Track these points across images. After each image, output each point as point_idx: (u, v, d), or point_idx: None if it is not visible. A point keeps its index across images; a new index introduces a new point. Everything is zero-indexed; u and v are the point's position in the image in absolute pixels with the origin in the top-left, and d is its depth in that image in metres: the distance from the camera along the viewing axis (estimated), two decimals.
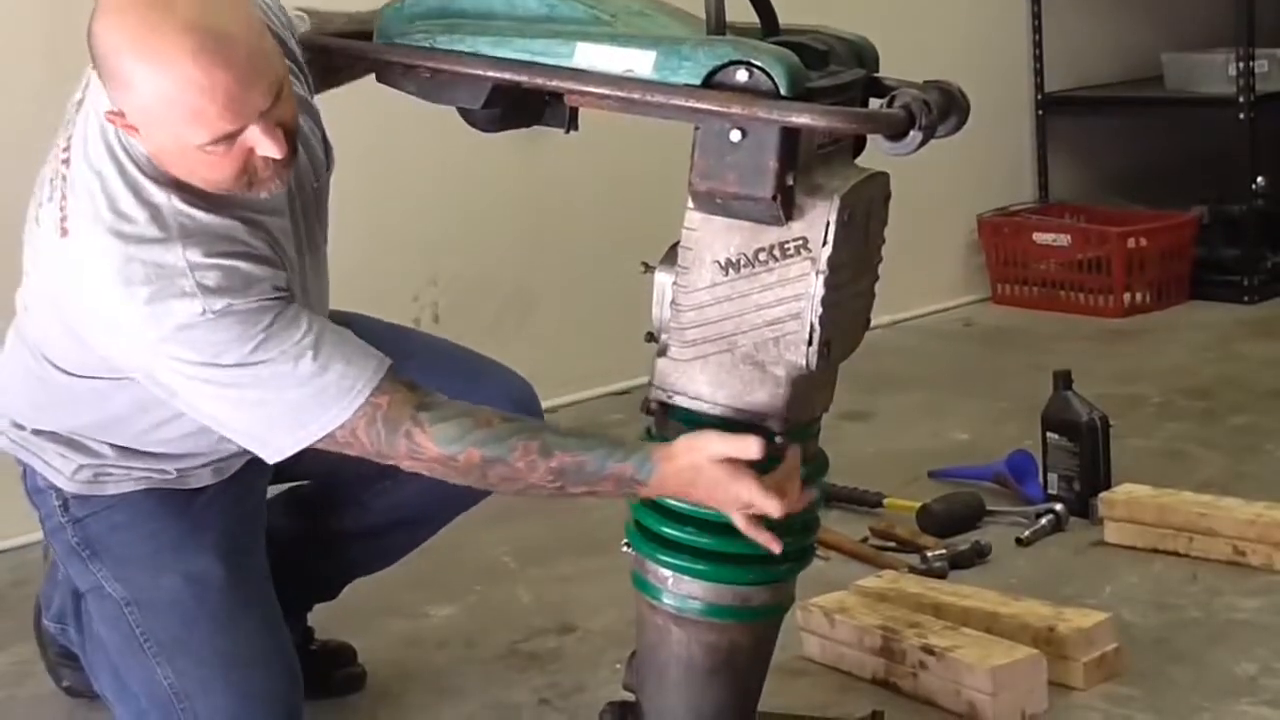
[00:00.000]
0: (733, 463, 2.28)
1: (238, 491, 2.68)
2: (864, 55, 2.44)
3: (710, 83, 2.21)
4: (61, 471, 2.64)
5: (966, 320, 5.57)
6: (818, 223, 2.24)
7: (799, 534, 2.47)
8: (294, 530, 2.89)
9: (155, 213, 2.33)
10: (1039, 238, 5.58)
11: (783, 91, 2.17)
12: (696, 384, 2.35)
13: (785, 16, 2.44)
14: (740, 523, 2.32)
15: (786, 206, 2.22)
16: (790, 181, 2.22)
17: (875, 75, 2.44)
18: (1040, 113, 5.89)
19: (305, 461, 2.50)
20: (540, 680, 3.05)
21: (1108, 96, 5.97)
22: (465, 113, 2.53)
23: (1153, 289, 5.45)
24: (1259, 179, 5.45)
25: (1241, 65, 5.40)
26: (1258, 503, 3.40)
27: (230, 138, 2.27)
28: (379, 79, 2.59)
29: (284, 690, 2.64)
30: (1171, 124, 6.03)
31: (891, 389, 4.71)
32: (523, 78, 2.34)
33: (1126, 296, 5.41)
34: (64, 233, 2.35)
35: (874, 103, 2.41)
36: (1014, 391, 4.46)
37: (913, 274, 5.46)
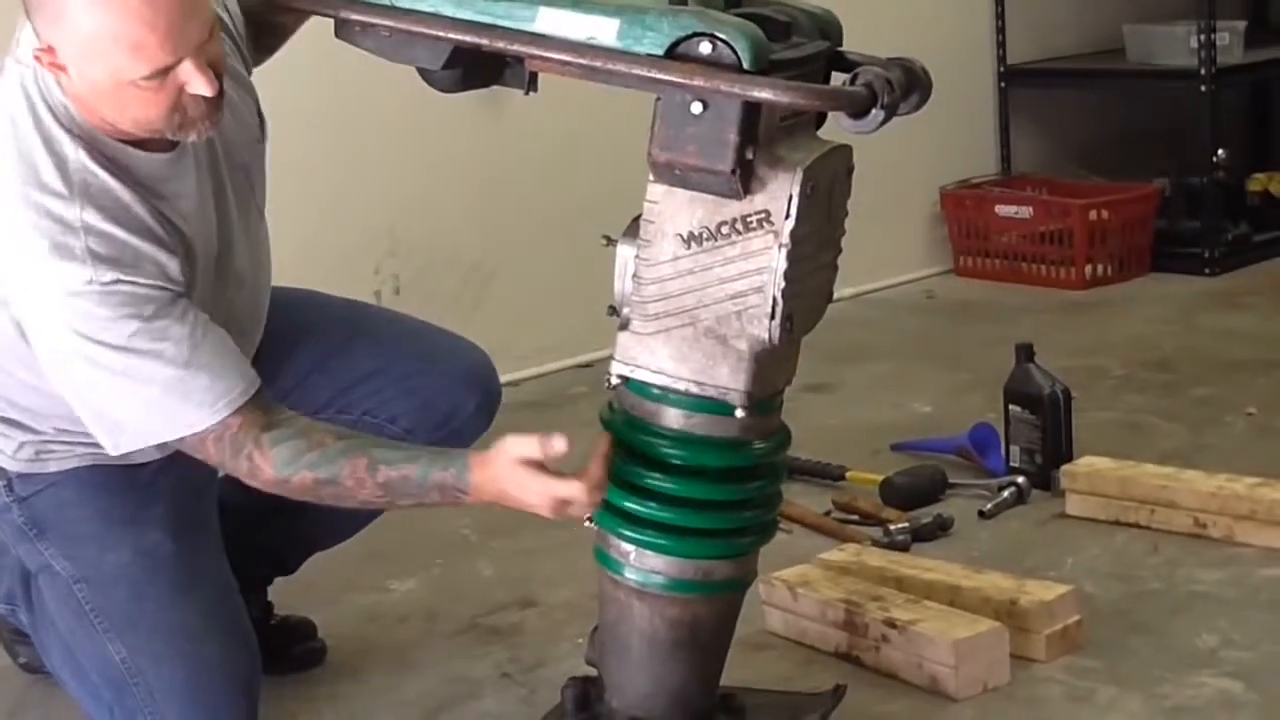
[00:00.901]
0: (532, 463, 2.30)
1: (182, 467, 2.64)
2: (828, 28, 2.43)
3: (673, 54, 2.20)
4: (3, 451, 2.62)
5: (929, 292, 5.57)
6: (780, 195, 2.23)
7: (761, 508, 2.47)
8: (251, 506, 2.87)
9: (61, 164, 2.35)
10: (1001, 210, 5.58)
11: (745, 65, 2.17)
12: (659, 358, 2.35)
13: None
14: (550, 516, 2.35)
15: (745, 180, 2.22)
16: (750, 156, 2.22)
17: (839, 49, 2.43)
18: (1003, 85, 5.89)
19: None
20: (502, 654, 3.04)
21: (1070, 68, 5.97)
22: (424, 73, 2.52)
23: (1114, 261, 5.46)
24: (1220, 151, 5.46)
25: (1203, 37, 5.40)
26: (1219, 475, 3.41)
27: (166, 71, 2.28)
28: (337, 34, 2.57)
29: (239, 662, 2.63)
30: (1133, 96, 6.05)
31: (854, 361, 4.71)
32: (484, 41, 2.34)
33: (1088, 269, 5.42)
34: None
35: (837, 78, 2.41)
36: (976, 364, 4.47)
37: (875, 246, 5.45)
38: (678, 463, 2.39)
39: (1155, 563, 3.25)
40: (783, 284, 2.26)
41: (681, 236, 2.29)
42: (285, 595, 3.08)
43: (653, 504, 2.40)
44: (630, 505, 2.41)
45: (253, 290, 2.68)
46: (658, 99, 2.24)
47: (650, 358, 2.35)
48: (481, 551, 3.44)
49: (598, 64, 2.25)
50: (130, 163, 2.40)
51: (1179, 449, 3.82)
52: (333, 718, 2.86)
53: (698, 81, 2.18)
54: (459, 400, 2.74)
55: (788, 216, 2.24)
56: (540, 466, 2.31)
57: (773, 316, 2.27)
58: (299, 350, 2.79)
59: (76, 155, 2.35)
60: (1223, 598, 3.08)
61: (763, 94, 2.16)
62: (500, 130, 4.44)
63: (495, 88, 2.52)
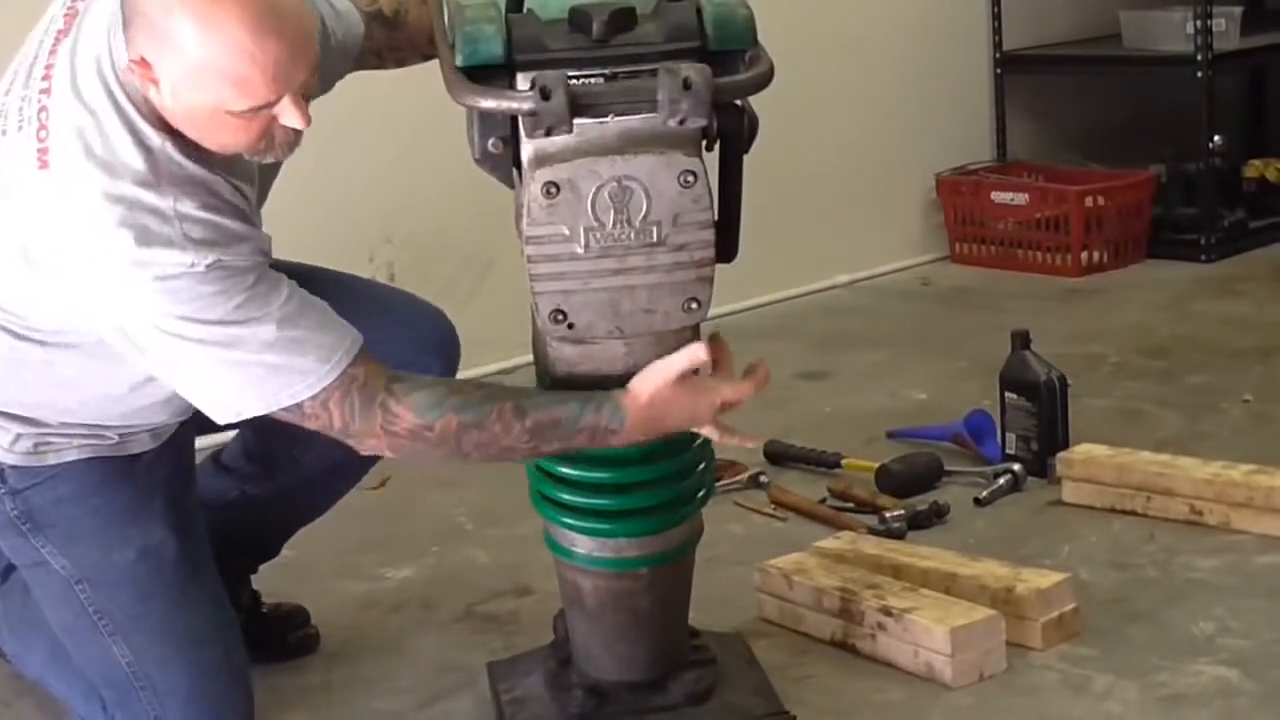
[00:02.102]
0: (689, 377, 2.34)
1: (173, 454, 2.65)
2: (719, 28, 2.33)
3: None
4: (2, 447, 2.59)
5: (924, 279, 5.57)
6: (525, 193, 2.29)
7: (648, 492, 2.53)
8: (229, 491, 2.87)
9: (149, 157, 2.31)
10: (997, 197, 5.57)
11: (456, 62, 2.30)
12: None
13: None
14: (714, 434, 2.43)
15: (500, 172, 2.38)
16: (494, 149, 2.32)
17: (730, 49, 2.33)
18: (999, 71, 5.88)
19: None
20: (498, 642, 3.04)
21: (1066, 55, 5.97)
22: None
23: (1110, 248, 5.46)
24: (1216, 137, 5.47)
25: (1199, 23, 5.40)
26: (1215, 462, 3.41)
27: (266, 106, 2.28)
28: None
29: (238, 662, 2.65)
30: (1129, 82, 6.04)
31: (849, 348, 4.71)
32: None
33: (1084, 255, 5.42)
34: (43, 165, 2.30)
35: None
36: (972, 351, 4.47)
37: (871, 233, 5.47)
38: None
39: (1151, 550, 3.25)
40: (530, 280, 2.32)
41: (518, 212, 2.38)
42: (280, 582, 3.09)
43: (579, 492, 2.53)
44: (560, 494, 2.54)
45: None
46: None
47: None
48: (477, 539, 3.44)
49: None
50: (213, 154, 2.37)
51: (1175, 436, 3.82)
52: (327, 707, 2.86)
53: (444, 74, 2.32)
54: (421, 365, 2.66)
55: (526, 214, 2.28)
56: (696, 379, 2.37)
57: (536, 309, 2.33)
58: None
59: (163, 147, 2.31)
60: (1219, 585, 3.08)
61: (449, 90, 2.28)
62: None
63: None
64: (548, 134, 2.22)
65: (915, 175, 5.68)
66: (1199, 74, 5.41)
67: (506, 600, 3.22)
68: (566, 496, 2.53)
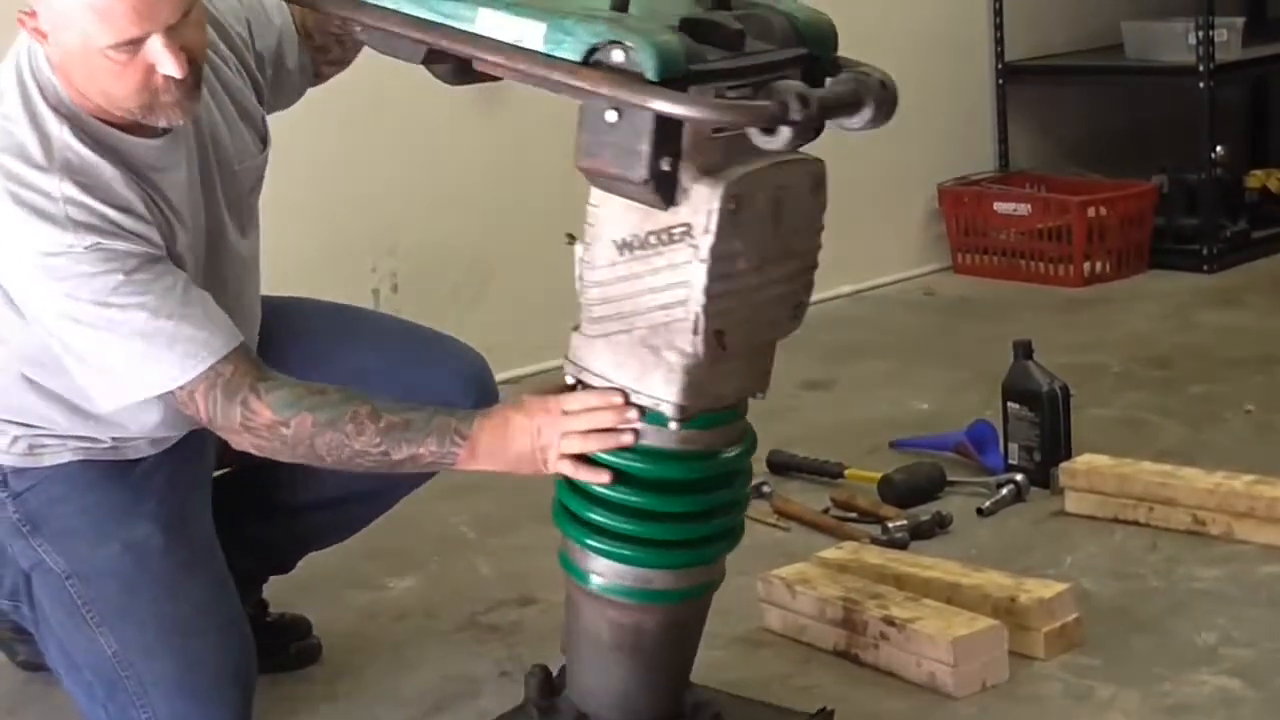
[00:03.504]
0: (540, 395, 2.37)
1: (176, 463, 2.68)
2: (811, 34, 2.31)
3: (590, 60, 2.16)
4: None
5: (927, 289, 5.57)
6: (701, 210, 2.17)
7: (705, 521, 2.42)
8: (248, 504, 2.88)
9: (45, 140, 2.42)
10: (999, 207, 5.58)
11: (649, 76, 2.11)
12: (602, 361, 2.33)
13: None
14: (567, 468, 2.35)
15: (664, 191, 2.17)
16: (666, 166, 2.15)
17: (827, 56, 2.32)
18: (1001, 82, 5.89)
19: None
20: (501, 652, 3.04)
21: (1068, 65, 5.98)
22: (428, 67, 2.52)
23: (1112, 258, 5.46)
24: (1218, 148, 5.47)
25: (1201, 34, 5.40)
26: (1217, 472, 3.41)
27: (134, 44, 2.34)
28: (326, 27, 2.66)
29: (233, 655, 2.64)
30: (1131, 93, 6.05)
31: (852, 358, 4.72)
32: (429, 39, 2.32)
33: (1086, 266, 5.42)
34: None
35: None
36: (974, 361, 4.47)
37: (874, 243, 5.47)
38: (620, 469, 2.35)
39: (1154, 560, 3.25)
40: (704, 300, 2.19)
41: (616, 242, 2.26)
42: (283, 593, 3.08)
43: (592, 506, 2.38)
44: (574, 505, 2.40)
45: (245, 288, 2.70)
46: (580, 105, 2.20)
47: (594, 360, 2.33)
48: (479, 549, 3.45)
49: (523, 67, 2.22)
50: (119, 146, 2.46)
51: (1177, 446, 3.82)
52: (331, 717, 2.86)
53: (604, 90, 2.14)
54: (455, 401, 2.72)
55: (707, 231, 2.17)
56: (545, 396, 2.38)
57: (696, 331, 2.21)
58: (290, 353, 2.76)
59: (60, 133, 2.42)
60: (1222, 595, 3.08)
61: (659, 105, 2.10)
62: (499, 127, 4.44)
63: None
64: (793, 144, 2.13)
65: (917, 185, 5.69)
66: (1201, 84, 5.41)
67: (509, 610, 3.22)
68: (589, 514, 2.40)
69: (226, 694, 2.63)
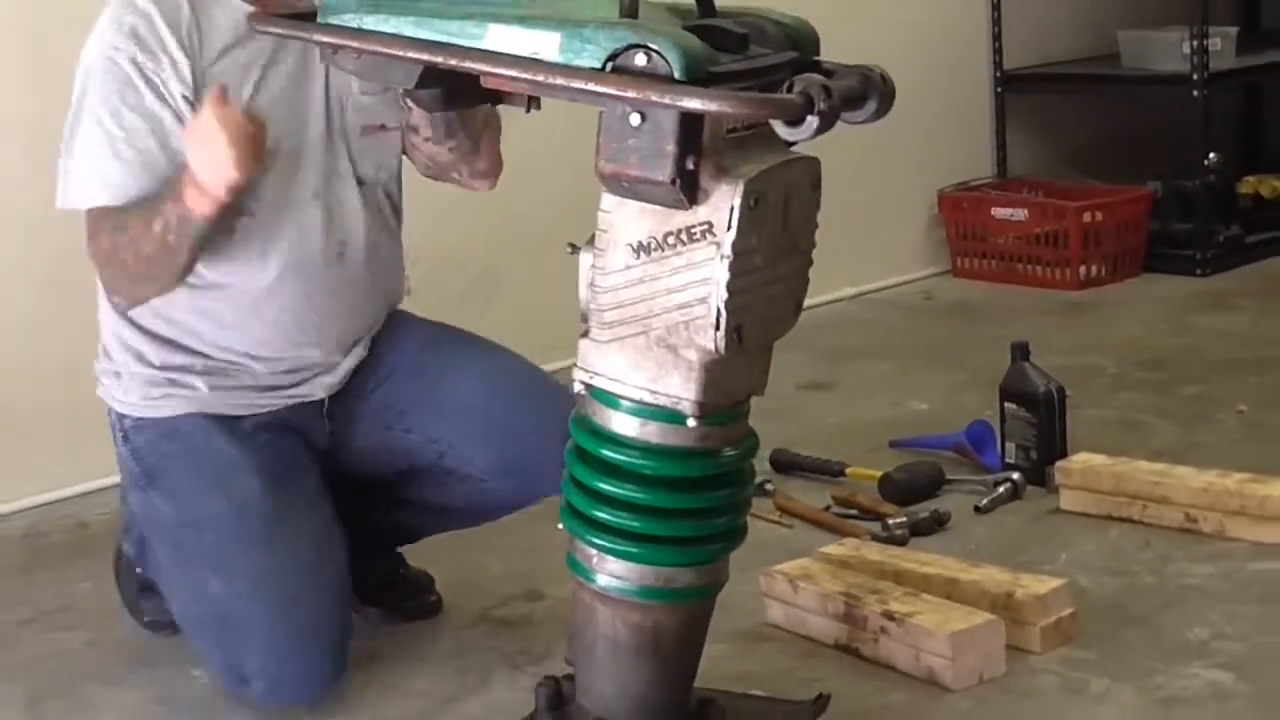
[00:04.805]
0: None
1: (275, 432, 2.90)
2: (799, 38, 2.36)
3: (613, 65, 2.16)
4: (116, 397, 2.91)
5: (927, 293, 5.58)
6: (722, 207, 2.18)
7: (722, 517, 2.43)
8: (386, 500, 3.09)
9: None
10: (998, 212, 5.59)
11: (677, 75, 2.11)
12: (615, 365, 2.32)
13: None
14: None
15: (688, 191, 2.17)
16: (690, 166, 2.16)
17: (813, 59, 2.36)
18: (999, 90, 5.90)
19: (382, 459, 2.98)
20: (511, 646, 3.05)
21: (1065, 74, 5.99)
22: (409, 94, 2.52)
23: (1108, 262, 5.47)
24: (1211, 155, 5.48)
25: (1195, 43, 5.41)
26: (1210, 471, 3.41)
27: None
28: (320, 59, 2.67)
29: (326, 605, 2.80)
30: (1127, 101, 6.06)
31: (853, 360, 4.73)
32: (439, 59, 2.30)
33: (1083, 269, 5.43)
34: None
35: None
36: (973, 363, 4.48)
37: (875, 247, 5.49)
38: (633, 470, 2.35)
39: (1147, 557, 3.26)
40: (725, 295, 2.20)
41: (632, 246, 2.26)
42: None
43: (611, 510, 2.37)
44: (592, 511, 2.38)
45: (344, 216, 2.92)
46: (601, 111, 2.20)
47: (607, 365, 2.32)
48: (490, 547, 3.44)
49: (541, 78, 2.22)
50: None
51: (1171, 446, 3.82)
52: (344, 711, 2.86)
53: (630, 93, 2.13)
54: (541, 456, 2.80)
55: (729, 228, 2.18)
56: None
57: (718, 327, 2.21)
58: (406, 380, 3.01)
59: None
60: (1214, 591, 3.09)
61: (692, 103, 2.10)
62: (510, 131, 4.44)
63: None
64: (816, 133, 2.13)
65: (918, 191, 5.71)
66: (1195, 93, 5.42)
67: (519, 605, 3.23)
68: (602, 515, 2.39)
69: (320, 640, 2.78)
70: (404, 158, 3.02)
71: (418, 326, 3.09)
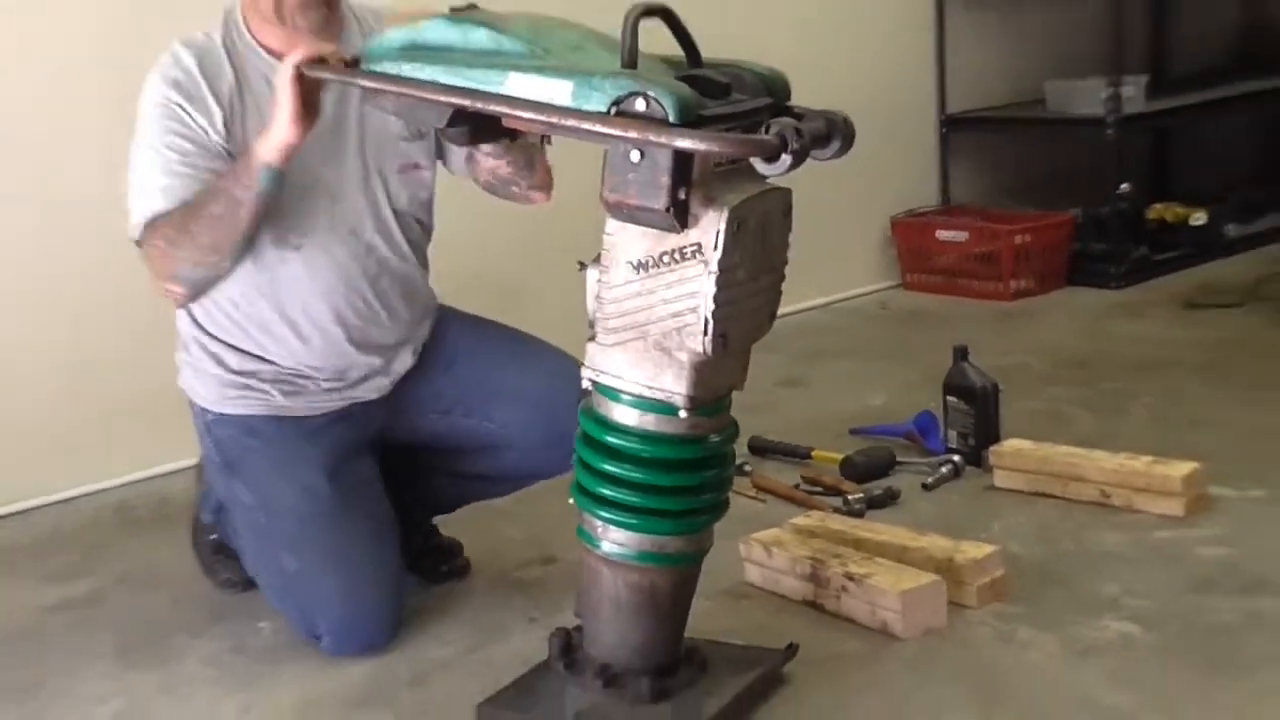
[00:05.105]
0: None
1: (341, 427, 2.91)
2: (773, 86, 2.36)
3: (616, 109, 2.16)
4: (201, 394, 2.91)
5: (882, 303, 5.57)
6: (710, 230, 2.19)
7: (709, 492, 2.44)
8: (428, 468, 3.10)
9: (205, 34, 2.83)
10: (941, 235, 5.58)
11: (671, 119, 2.11)
12: (617, 365, 2.33)
13: (718, 50, 2.42)
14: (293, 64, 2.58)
15: (680, 217, 2.17)
16: (682, 196, 2.16)
17: (785, 104, 2.37)
18: (943, 130, 5.90)
19: (435, 430, 2.99)
20: (528, 603, 3.05)
21: (999, 117, 5.98)
22: (440, 133, 2.51)
23: (1036, 277, 5.46)
24: (1123, 186, 5.47)
25: (1111, 91, 5.41)
26: (1120, 454, 3.41)
27: None
28: (363, 102, 2.70)
29: (384, 575, 2.85)
30: (1052, 140, 6.05)
31: (819, 360, 4.72)
32: (466, 102, 2.30)
33: (1014, 283, 5.42)
34: None
35: None
36: (920, 362, 4.47)
37: (838, 265, 5.49)
38: (632, 453, 2.37)
39: (1068, 527, 3.26)
40: (712, 306, 2.20)
41: (632, 264, 2.26)
42: None
43: (614, 488, 2.38)
44: (597, 488, 2.40)
45: (366, 229, 2.91)
46: (605, 151, 2.20)
47: (611, 365, 2.33)
48: (511, 516, 3.44)
49: (554, 120, 2.22)
50: (247, 51, 2.79)
51: (1088, 433, 3.82)
52: (389, 657, 2.86)
53: (632, 134, 2.13)
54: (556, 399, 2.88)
55: (716, 248, 2.19)
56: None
57: (706, 333, 2.22)
58: (462, 368, 3.04)
59: (213, 30, 2.79)
60: (1123, 556, 3.09)
61: (684, 143, 2.10)
62: None
63: None
64: (789, 169, 2.13)
65: (874, 216, 5.70)
66: (1109, 133, 5.42)
67: (535, 568, 3.23)
68: (607, 492, 2.41)
69: (379, 605, 2.85)
70: (467, 180, 3.03)
71: (471, 322, 3.10)
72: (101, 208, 3.77)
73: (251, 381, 2.88)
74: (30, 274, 3.88)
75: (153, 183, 2.72)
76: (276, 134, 2.60)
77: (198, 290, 2.78)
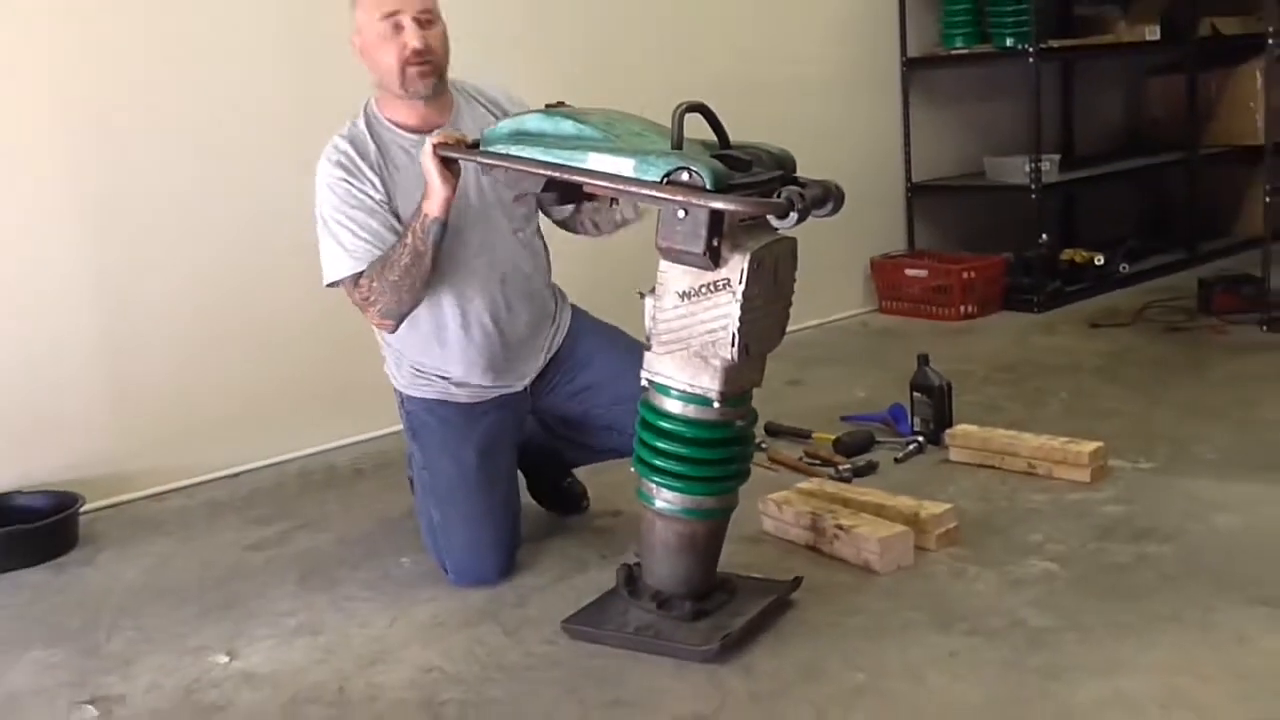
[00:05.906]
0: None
1: (497, 415, 2.86)
2: (784, 162, 2.38)
3: (667, 180, 2.19)
4: (397, 376, 2.89)
5: (864, 323, 5.53)
6: (736, 269, 2.22)
7: (736, 463, 2.44)
8: (556, 437, 3.08)
9: (353, 126, 2.75)
10: (908, 272, 5.54)
11: (708, 187, 2.15)
12: (667, 369, 2.35)
13: (743, 134, 2.41)
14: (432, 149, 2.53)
15: (715, 259, 2.21)
16: (716, 243, 2.20)
17: (793, 175, 2.37)
18: (909, 194, 5.86)
19: (566, 406, 2.93)
20: (601, 545, 3.05)
21: (951, 185, 5.94)
22: (537, 199, 2.54)
23: (978, 304, 5.42)
24: (1043, 236, 5.43)
25: (1033, 165, 5.37)
26: (1043, 435, 3.39)
27: (394, 17, 2.57)
28: (479, 172, 2.70)
29: (503, 536, 2.82)
30: (990, 202, 6.01)
31: (817, 365, 4.70)
32: (556, 174, 2.34)
33: (962, 308, 5.38)
34: None
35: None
36: (894, 367, 4.43)
37: (830, 294, 5.46)
38: (679, 434, 2.38)
39: (1004, 490, 3.24)
40: (738, 325, 2.23)
41: (679, 293, 2.28)
42: None
43: (665, 459, 2.40)
44: (653, 460, 2.41)
45: (500, 255, 2.84)
46: (659, 209, 2.24)
47: (662, 368, 2.36)
48: (588, 482, 3.44)
49: (621, 186, 2.26)
50: (385, 133, 2.74)
51: (1019, 420, 3.78)
52: (494, 587, 2.85)
53: (679, 197, 2.17)
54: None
55: (741, 282, 2.22)
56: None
57: (733, 344, 2.25)
58: (580, 374, 2.96)
59: (360, 122, 2.76)
60: (1045, 512, 3.07)
61: (718, 204, 2.15)
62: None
63: None
64: (796, 224, 2.16)
65: (858, 258, 5.67)
66: (1033, 197, 5.37)
67: (606, 519, 3.22)
68: (659, 463, 2.42)
69: (494, 555, 2.81)
70: (564, 222, 2.95)
71: (604, 328, 3.05)
72: (288, 234, 3.56)
73: (430, 377, 2.86)
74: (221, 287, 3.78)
75: (341, 248, 2.69)
76: (433, 194, 2.58)
77: (400, 319, 2.74)
